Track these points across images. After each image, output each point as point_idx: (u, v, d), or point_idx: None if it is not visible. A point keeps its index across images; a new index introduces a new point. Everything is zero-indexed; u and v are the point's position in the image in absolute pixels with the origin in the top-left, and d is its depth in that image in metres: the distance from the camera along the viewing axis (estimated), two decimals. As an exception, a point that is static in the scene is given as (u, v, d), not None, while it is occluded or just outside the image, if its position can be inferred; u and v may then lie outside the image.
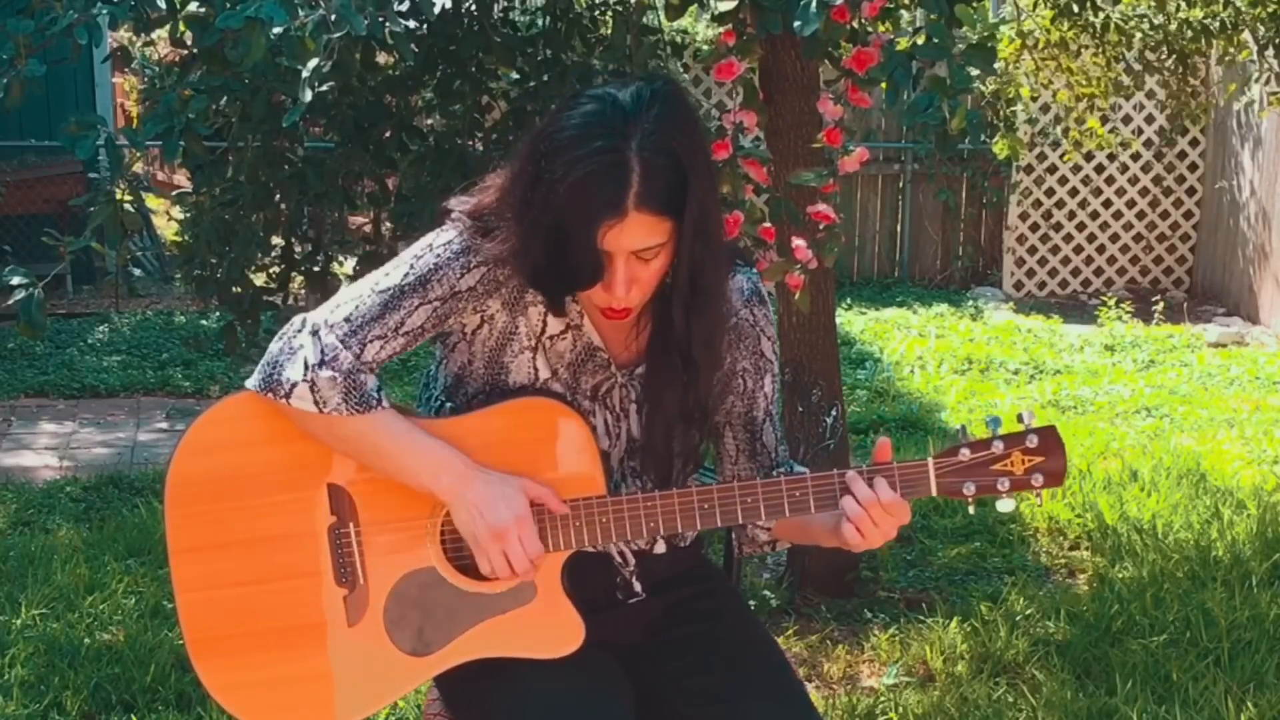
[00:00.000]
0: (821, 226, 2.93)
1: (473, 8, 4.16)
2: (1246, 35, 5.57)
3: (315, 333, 2.01)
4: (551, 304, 2.07)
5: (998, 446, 2.05)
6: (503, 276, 2.05)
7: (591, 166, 1.90)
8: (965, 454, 2.05)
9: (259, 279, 4.22)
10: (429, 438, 2.04)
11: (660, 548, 2.21)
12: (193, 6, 3.10)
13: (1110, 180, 9.81)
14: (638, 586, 2.20)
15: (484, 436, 2.06)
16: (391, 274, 2.05)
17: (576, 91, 2.02)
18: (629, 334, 2.13)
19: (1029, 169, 9.71)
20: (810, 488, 2.06)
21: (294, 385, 1.99)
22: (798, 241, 2.92)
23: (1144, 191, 9.84)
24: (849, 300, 9.28)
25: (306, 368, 1.99)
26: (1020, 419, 2.06)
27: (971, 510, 2.13)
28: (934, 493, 2.06)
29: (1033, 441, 2.05)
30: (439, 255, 2.04)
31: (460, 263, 2.03)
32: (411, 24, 3.82)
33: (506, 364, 2.11)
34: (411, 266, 2.04)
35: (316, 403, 1.99)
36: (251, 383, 2.04)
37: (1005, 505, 2.07)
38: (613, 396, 2.16)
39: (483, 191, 2.07)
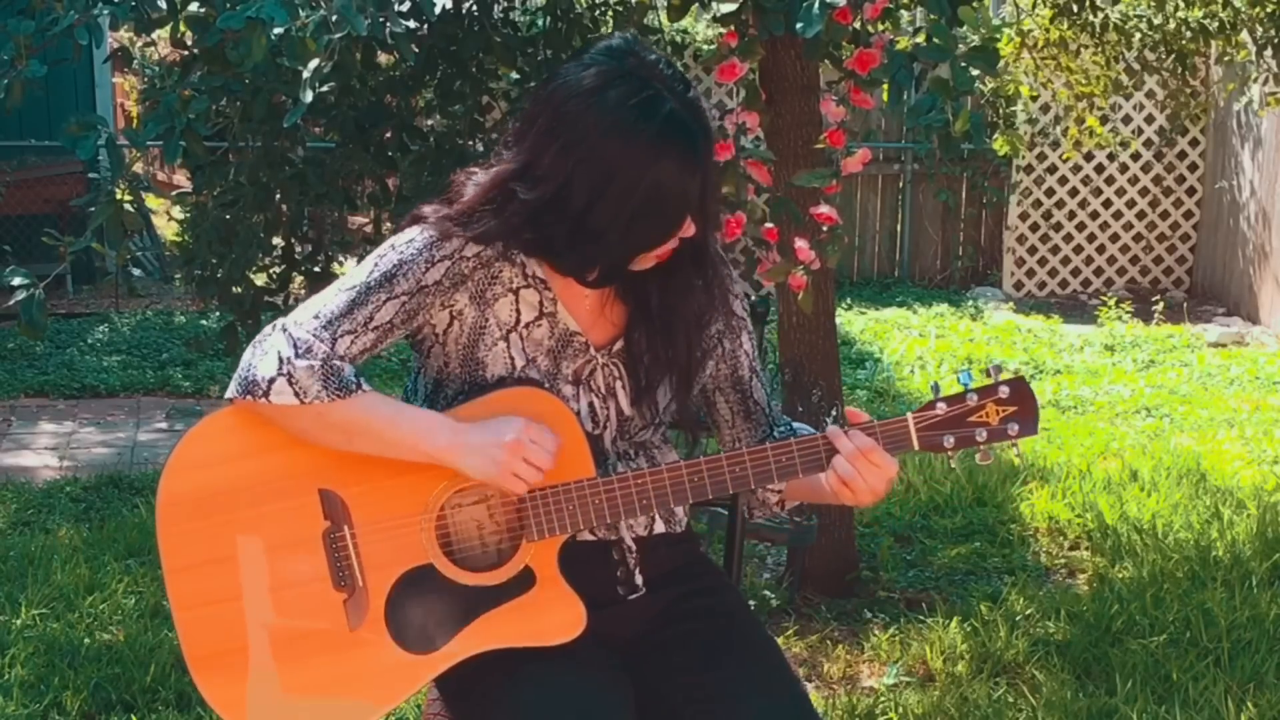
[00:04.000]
0: (825, 228, 2.93)
1: (473, 8, 4.16)
2: (1245, 35, 5.57)
3: (285, 330, 2.04)
4: (606, 280, 2.10)
5: (972, 399, 2.11)
6: (467, 270, 2.08)
7: (671, 129, 1.99)
8: (942, 408, 2.11)
9: (259, 279, 4.22)
10: (417, 409, 2.09)
11: (659, 526, 2.22)
12: (193, 7, 3.10)
13: (1110, 180, 9.82)
14: (639, 580, 2.20)
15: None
16: (357, 273, 2.09)
17: (586, 73, 2.03)
18: (601, 312, 2.17)
19: (1029, 169, 9.71)
20: (796, 452, 2.10)
21: (271, 381, 2.01)
22: (800, 242, 2.92)
23: (1144, 191, 9.84)
24: (849, 300, 9.28)
25: (281, 361, 2.01)
26: (988, 372, 2.12)
27: (953, 464, 2.17)
28: (916, 447, 2.11)
29: (1004, 392, 2.11)
30: (402, 252, 2.08)
31: (424, 257, 2.07)
32: (412, 24, 3.82)
33: (482, 358, 2.12)
34: (376, 265, 2.08)
35: (297, 394, 2.00)
36: (230, 391, 2.06)
37: (984, 459, 2.13)
38: (596, 379, 2.17)
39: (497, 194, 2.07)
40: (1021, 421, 2.10)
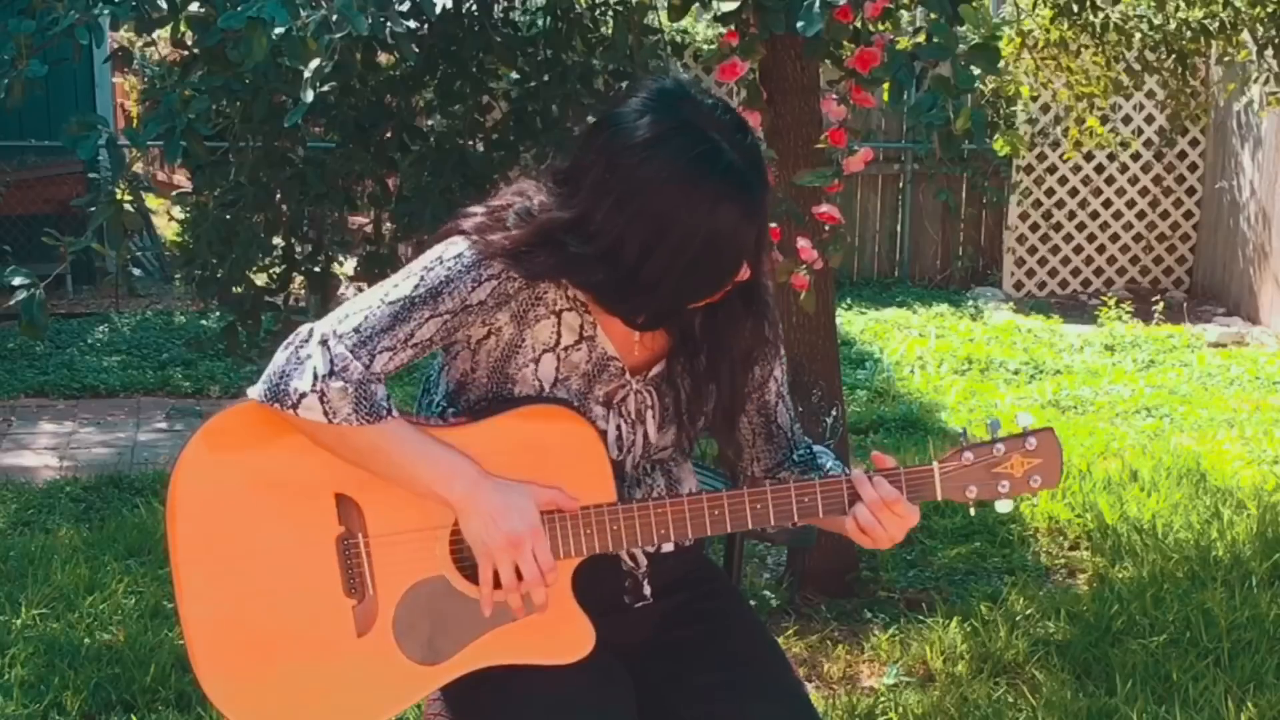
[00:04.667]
0: (826, 227, 2.93)
1: (473, 8, 4.16)
2: (1245, 35, 5.57)
3: (324, 343, 1.97)
4: (654, 325, 2.07)
5: (999, 449, 2.09)
6: (513, 290, 2.04)
7: (730, 183, 1.94)
8: (968, 457, 2.09)
9: (260, 279, 4.22)
10: (440, 446, 2.02)
11: (668, 545, 2.21)
12: (194, 7, 3.10)
13: (1110, 180, 9.82)
14: (647, 590, 2.20)
15: (493, 444, 2.04)
16: (401, 285, 2.02)
17: (643, 119, 1.98)
18: (640, 339, 2.14)
19: (1029, 169, 9.71)
20: (819, 494, 2.08)
21: (302, 396, 1.95)
22: (803, 242, 2.92)
23: (1144, 191, 9.84)
24: (849, 300, 9.28)
25: (316, 378, 1.95)
26: (1018, 421, 2.11)
27: (972, 512, 2.16)
28: (939, 497, 2.10)
29: (1031, 444, 2.10)
30: (450, 268, 2.02)
31: (471, 276, 2.01)
32: (412, 24, 3.83)
33: (511, 375, 2.09)
34: (422, 279, 2.02)
35: (326, 413, 1.95)
36: (256, 393, 1.99)
37: (1003, 506, 2.13)
38: (628, 404, 2.15)
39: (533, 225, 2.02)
40: (1045, 474, 2.10)
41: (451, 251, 2.04)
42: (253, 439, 2.04)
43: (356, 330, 1.99)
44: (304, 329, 2.01)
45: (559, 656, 2.07)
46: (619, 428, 2.14)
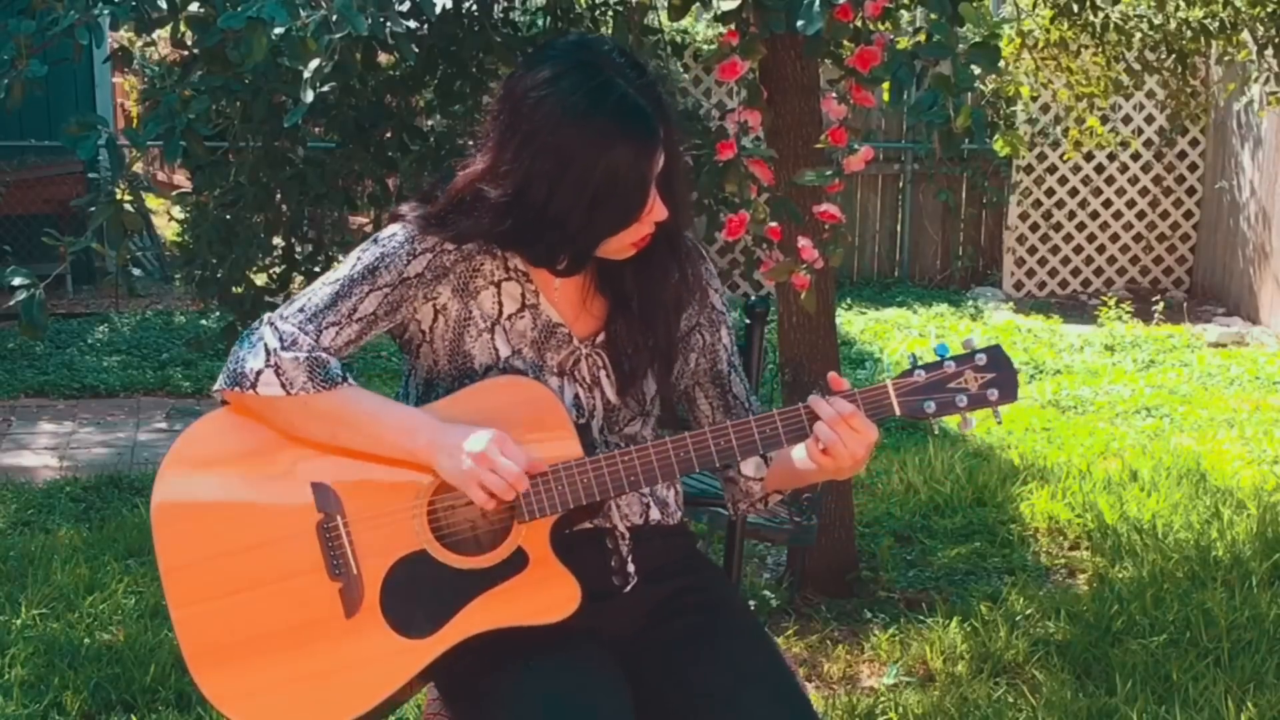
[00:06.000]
0: (827, 226, 2.93)
1: (473, 8, 4.16)
2: (1245, 35, 5.57)
3: (271, 324, 2.10)
4: (575, 266, 2.14)
5: (950, 366, 2.13)
6: (449, 262, 2.14)
7: (623, 113, 2.03)
8: (921, 375, 2.13)
9: (260, 279, 4.22)
10: (400, 405, 2.12)
11: (655, 515, 2.25)
12: (194, 7, 3.10)
13: (1110, 180, 9.82)
14: (631, 568, 2.21)
15: (453, 418, 2.09)
16: (341, 268, 2.15)
17: (528, 66, 2.10)
18: (582, 304, 2.22)
19: (1029, 169, 9.71)
20: (779, 421, 2.12)
21: (259, 373, 2.06)
22: (803, 241, 2.91)
23: (1144, 191, 9.84)
24: (849, 300, 9.28)
25: (268, 353, 2.06)
26: (965, 344, 2.15)
27: (935, 431, 2.19)
28: (897, 413, 2.12)
29: (981, 360, 2.13)
30: (384, 245, 2.14)
31: (406, 250, 2.13)
32: (412, 24, 3.82)
33: (468, 350, 2.16)
34: (359, 259, 2.14)
35: (284, 385, 2.06)
36: (219, 383, 2.11)
37: (968, 427, 2.15)
38: (581, 369, 2.21)
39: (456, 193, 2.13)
40: (1001, 387, 2.12)
41: (386, 232, 2.17)
42: (227, 442, 2.12)
43: (301, 310, 2.11)
44: (256, 323, 2.13)
45: (547, 615, 2.09)
46: (577, 395, 2.20)
